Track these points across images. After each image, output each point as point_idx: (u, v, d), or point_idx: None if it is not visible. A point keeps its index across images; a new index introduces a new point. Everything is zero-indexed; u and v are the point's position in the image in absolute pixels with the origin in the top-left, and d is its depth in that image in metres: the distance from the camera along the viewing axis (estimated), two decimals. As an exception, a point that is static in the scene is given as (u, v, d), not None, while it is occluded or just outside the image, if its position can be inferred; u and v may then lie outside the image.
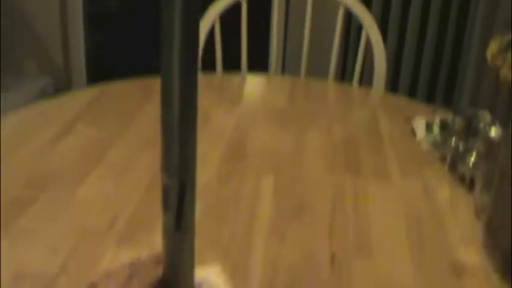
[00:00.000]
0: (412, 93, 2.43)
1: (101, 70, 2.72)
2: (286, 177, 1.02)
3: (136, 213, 0.88)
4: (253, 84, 1.50)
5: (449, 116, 1.12)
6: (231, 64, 1.69)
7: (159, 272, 0.58)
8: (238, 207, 0.91)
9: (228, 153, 1.07)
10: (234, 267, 0.71)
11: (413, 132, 1.19)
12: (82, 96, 1.30)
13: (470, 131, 1.04)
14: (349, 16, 2.01)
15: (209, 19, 1.60)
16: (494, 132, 1.02)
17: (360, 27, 1.73)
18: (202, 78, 1.35)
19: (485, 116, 1.05)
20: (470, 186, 0.98)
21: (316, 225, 0.88)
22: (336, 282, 0.75)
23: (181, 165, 0.51)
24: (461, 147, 1.03)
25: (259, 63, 1.97)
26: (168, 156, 0.51)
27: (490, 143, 1.01)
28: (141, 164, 1.02)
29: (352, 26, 2.33)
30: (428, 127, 1.16)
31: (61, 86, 2.53)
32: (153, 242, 0.79)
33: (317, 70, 2.03)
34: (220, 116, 1.20)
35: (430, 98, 2.42)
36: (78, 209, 0.88)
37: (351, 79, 1.99)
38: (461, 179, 1.01)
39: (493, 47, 0.97)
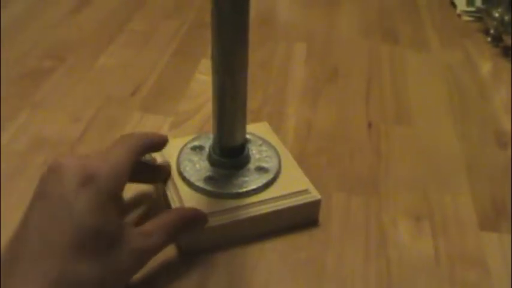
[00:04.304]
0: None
1: None
2: (319, 44, 0.96)
3: (161, 80, 0.83)
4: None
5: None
6: None
7: None
8: (271, 72, 0.87)
9: (258, 21, 1.02)
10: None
11: (453, 4, 1.13)
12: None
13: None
14: None
15: None
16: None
17: None
18: None
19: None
20: (516, 58, 0.93)
21: (351, 92, 0.83)
22: (374, 148, 0.71)
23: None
24: (506, 18, 0.97)
25: None
26: None
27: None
28: (166, 32, 0.97)
29: None
30: (470, -2, 1.10)
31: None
32: (178, 109, 0.76)
33: None
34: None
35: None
36: (100, 77, 0.84)
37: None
38: (506, 52, 0.95)
39: None
